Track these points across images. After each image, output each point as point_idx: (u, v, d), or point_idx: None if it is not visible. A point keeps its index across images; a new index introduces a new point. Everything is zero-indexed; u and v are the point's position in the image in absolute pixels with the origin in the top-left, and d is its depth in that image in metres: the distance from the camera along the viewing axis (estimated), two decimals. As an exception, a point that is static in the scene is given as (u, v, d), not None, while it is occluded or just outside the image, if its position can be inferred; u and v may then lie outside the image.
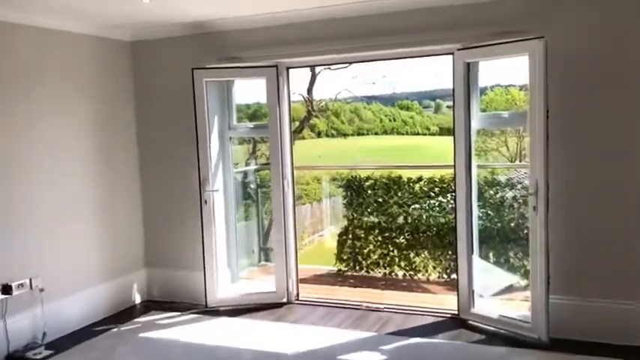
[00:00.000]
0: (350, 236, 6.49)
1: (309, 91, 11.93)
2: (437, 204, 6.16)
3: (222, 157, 5.74)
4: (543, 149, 4.24)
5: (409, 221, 6.27)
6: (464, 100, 4.76)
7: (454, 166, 4.91)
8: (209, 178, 5.40)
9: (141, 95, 5.82)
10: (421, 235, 6.23)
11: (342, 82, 12.39)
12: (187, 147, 5.50)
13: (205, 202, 5.40)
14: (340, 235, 6.54)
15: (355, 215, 6.45)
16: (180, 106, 5.56)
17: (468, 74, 4.76)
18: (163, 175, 5.81)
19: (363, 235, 6.42)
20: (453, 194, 5.02)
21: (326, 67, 12.21)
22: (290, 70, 5.47)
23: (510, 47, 4.39)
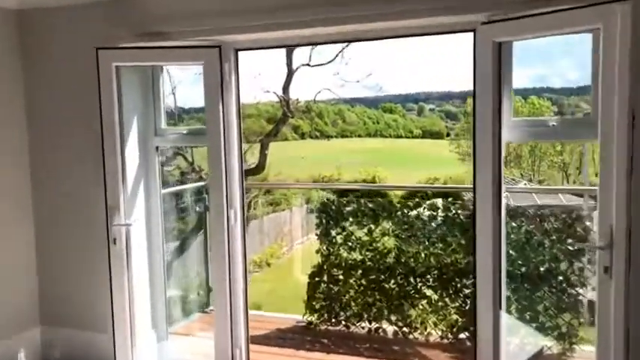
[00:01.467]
0: (324, 278, 4.77)
1: (285, 89, 10.20)
2: (440, 237, 4.46)
3: (146, 173, 4.00)
4: (625, 176, 2.58)
5: (402, 260, 4.57)
6: (492, 100, 3.08)
7: (474, 189, 3.23)
8: (120, 206, 3.65)
9: (32, 84, 4.05)
10: (419, 279, 4.53)
11: (322, 80, 10.65)
12: (94, 160, 3.75)
13: (114, 240, 3.65)
14: (312, 275, 4.81)
15: (332, 250, 4.73)
16: (85, 102, 3.82)
17: (498, 61, 3.07)
18: (64, 201, 4.05)
19: (341, 277, 4.72)
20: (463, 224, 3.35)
21: (304, 64, 10.52)
22: (240, 52, 3.74)
23: (571, 16, 2.72)
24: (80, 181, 3.94)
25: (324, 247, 4.75)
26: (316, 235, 4.78)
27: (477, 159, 3.22)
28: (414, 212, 4.51)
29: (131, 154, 3.84)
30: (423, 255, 4.52)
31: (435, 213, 4.45)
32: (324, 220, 4.75)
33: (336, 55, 10.41)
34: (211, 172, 3.65)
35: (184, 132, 4.00)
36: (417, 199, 4.95)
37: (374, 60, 10.92)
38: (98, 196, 3.69)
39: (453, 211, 4.41)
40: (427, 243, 4.50)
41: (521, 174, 30.62)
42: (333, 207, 4.72)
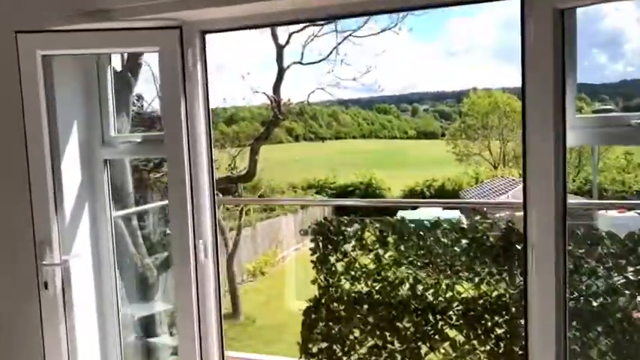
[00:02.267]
0: (323, 314, 3.84)
1: (276, 89, 9.27)
2: (465, 265, 3.55)
3: (91, 193, 3.08)
4: None
5: (419, 292, 3.65)
6: (553, 90, 2.17)
7: (524, 206, 2.31)
8: (53, 240, 2.73)
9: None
10: (439, 316, 3.61)
11: (315, 80, 9.72)
12: (16, 180, 2.82)
13: (45, 284, 2.73)
14: (308, 312, 3.89)
15: (331, 280, 3.82)
16: (3, 102, 2.90)
17: (562, 34, 2.17)
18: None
19: (343, 314, 3.79)
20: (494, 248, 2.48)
21: (296, 62, 9.60)
22: (208, 36, 2.83)
23: None
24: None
25: (322, 277, 3.82)
26: (312, 262, 3.85)
27: (529, 168, 2.31)
28: (430, 234, 3.58)
29: (70, 171, 2.92)
30: (444, 286, 3.60)
31: (458, 235, 3.53)
32: (320, 244, 3.82)
33: (330, 52, 9.50)
34: (171, 192, 2.73)
35: (138, 140, 3.06)
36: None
37: (371, 56, 9.94)
38: (24, 227, 2.76)
39: (481, 233, 3.50)
40: (449, 272, 3.58)
41: (520, 174, 29.77)
42: (332, 227, 3.80)
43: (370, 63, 9.75)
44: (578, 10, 2.22)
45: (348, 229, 3.78)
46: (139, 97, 16.52)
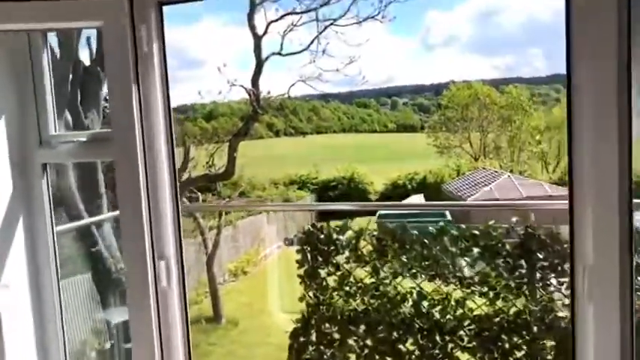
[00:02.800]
0: (313, 337, 3.29)
1: (255, 82, 8.66)
2: (478, 277, 3.02)
3: (26, 205, 2.47)
4: None
5: (424, 310, 3.11)
6: (617, 66, 1.63)
7: (570, 209, 1.78)
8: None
9: None
10: (448, 337, 3.07)
11: (296, 72, 9.13)
12: None
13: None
14: (295, 334, 3.32)
15: (322, 297, 3.26)
16: None
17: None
18: None
19: (336, 336, 3.24)
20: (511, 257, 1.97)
21: (275, 52, 9.00)
22: (165, 7, 2.24)
23: None
24: None
25: (311, 294, 3.26)
26: (299, 276, 3.29)
27: (577, 169, 1.78)
28: (438, 241, 3.05)
29: (-4, 179, 2.32)
30: (453, 302, 3.07)
31: (469, 243, 2.99)
32: (308, 255, 3.26)
33: (311, 42, 8.92)
34: (121, 202, 2.15)
35: (84, 139, 2.46)
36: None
37: (354, 47, 9.36)
38: None
39: (496, 240, 2.96)
40: (459, 285, 3.05)
41: (500, 165, 29.48)
42: (322, 236, 3.24)
43: (353, 53, 9.17)
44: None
45: (341, 237, 3.22)
46: None
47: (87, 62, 9.78)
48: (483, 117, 33.30)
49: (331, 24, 8.92)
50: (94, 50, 9.75)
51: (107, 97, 12.32)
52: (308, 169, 25.78)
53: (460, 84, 36.08)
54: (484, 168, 24.71)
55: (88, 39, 9.78)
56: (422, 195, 21.94)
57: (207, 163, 9.36)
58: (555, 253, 2.78)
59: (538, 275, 2.89)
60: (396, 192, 24.71)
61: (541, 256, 2.86)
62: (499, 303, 2.97)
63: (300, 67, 9.02)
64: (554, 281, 2.82)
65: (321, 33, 8.92)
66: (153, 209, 2.17)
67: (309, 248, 3.27)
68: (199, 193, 12.30)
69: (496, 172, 22.24)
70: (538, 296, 2.92)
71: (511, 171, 24.52)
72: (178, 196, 2.31)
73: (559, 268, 2.79)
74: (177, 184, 2.29)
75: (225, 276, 15.74)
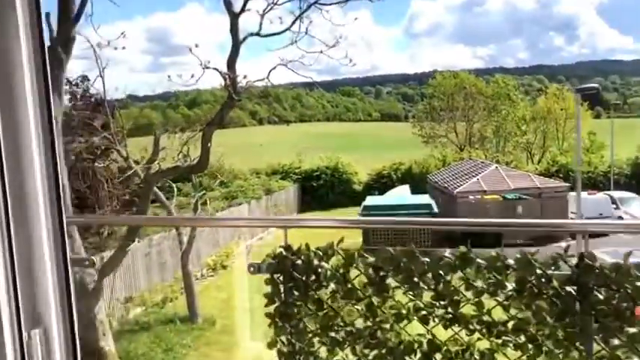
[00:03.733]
0: (286, 396, 2.42)
1: (231, 65, 7.73)
2: (512, 323, 2.17)
3: None
4: None
5: (436, 363, 2.26)
6: None
7: None
8: None
9: None
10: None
11: (277, 54, 8.19)
12: None
13: None
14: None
15: (299, 345, 2.40)
16: None
17: None
18: None
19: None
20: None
21: (253, 33, 8.06)
22: None
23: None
24: None
25: (284, 339, 2.41)
26: (267, 316, 2.42)
27: None
28: (458, 272, 2.20)
29: None
30: (477, 356, 2.23)
31: (499, 277, 2.15)
32: (281, 288, 2.40)
33: (294, 22, 7.99)
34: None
35: None
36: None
37: (340, 27, 8.43)
38: None
39: (536, 276, 2.12)
40: (486, 333, 2.20)
41: (485, 155, 28.79)
42: (299, 262, 2.37)
43: (337, 34, 8.25)
44: None
45: (325, 264, 2.36)
46: (84, 78, 14.14)
47: (46, 42, 8.76)
48: (469, 106, 32.52)
49: (315, 2, 8.00)
50: (55, 28, 8.73)
51: (77, 83, 11.05)
52: (291, 159, 24.82)
53: (446, 73, 35.29)
54: (470, 158, 23.97)
55: (47, 15, 8.75)
56: (407, 186, 21.14)
57: (178, 153, 8.42)
58: (622, 294, 1.94)
59: (597, 323, 2.06)
60: (380, 182, 23.84)
61: (601, 297, 2.03)
62: (541, 359, 2.13)
63: (281, 50, 8.11)
64: (618, 332, 2.00)
65: (304, 12, 8.01)
66: (18, 234, 1.28)
67: (281, 278, 2.40)
68: (174, 185, 11.38)
69: (483, 162, 21.51)
70: (595, 351, 2.10)
71: (497, 161, 23.83)
72: (62, 213, 1.42)
73: (627, 313, 1.96)
74: (63, 193, 1.41)
75: (204, 271, 14.84)
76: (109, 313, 10.47)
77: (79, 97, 13.98)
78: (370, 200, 17.32)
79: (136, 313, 11.18)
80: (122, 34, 7.80)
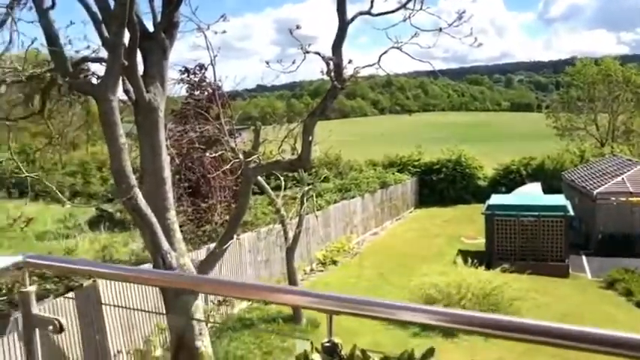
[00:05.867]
0: None
1: (336, 49, 6.75)
2: None
3: None
4: None
5: None
6: None
7: None
8: None
9: None
10: None
11: (390, 35, 7.05)
12: None
13: None
14: None
15: None
16: None
17: None
18: None
19: None
20: None
21: (363, 12, 7.03)
22: None
23: None
24: None
25: None
26: None
27: None
28: None
29: None
30: None
31: None
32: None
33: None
34: None
35: None
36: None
37: (464, 2, 7.07)
38: None
39: None
40: None
41: (631, 151, 25.26)
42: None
43: (461, 11, 6.91)
44: None
45: None
46: (201, 67, 13.79)
47: (150, 27, 8.35)
48: (614, 96, 28.73)
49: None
50: (159, 13, 8.28)
51: (187, 69, 10.56)
52: (410, 150, 23.35)
53: (586, 60, 31.65)
54: (614, 154, 21.01)
55: (151, 0, 8.32)
56: (539, 183, 18.92)
57: (279, 147, 7.64)
58: None
59: None
60: (508, 178, 21.59)
61: None
62: None
63: (396, 29, 6.99)
64: None
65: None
66: None
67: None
68: (282, 178, 10.73)
69: (629, 160, 18.67)
70: None
71: (646, 159, 20.67)
72: None
73: None
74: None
75: (313, 265, 14.10)
76: (211, 308, 10.14)
77: (195, 86, 13.91)
78: (496, 198, 15.58)
79: (241, 308, 10.72)
80: (222, 16, 7.11)
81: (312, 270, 14.15)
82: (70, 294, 7.54)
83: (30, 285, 1.66)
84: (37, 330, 1.59)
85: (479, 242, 15.41)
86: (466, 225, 17.98)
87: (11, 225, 9.54)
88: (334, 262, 14.67)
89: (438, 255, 14.62)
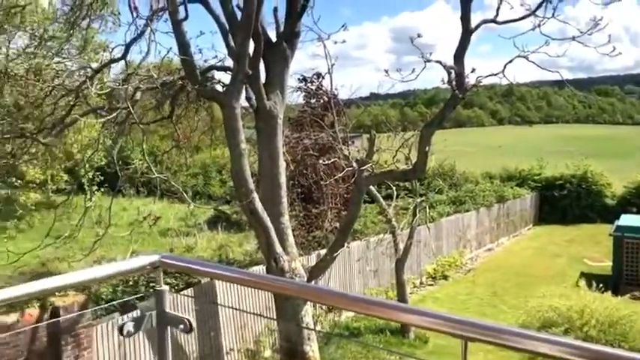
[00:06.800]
0: None
1: (458, 58, 6.57)
2: None
3: None
4: None
5: None
6: None
7: None
8: None
9: None
10: None
11: (516, 43, 6.71)
12: None
13: None
14: None
15: None
16: None
17: None
18: None
19: None
20: None
21: (488, 20, 6.76)
22: None
23: None
24: None
25: None
26: None
27: None
28: None
29: None
30: None
31: None
32: None
33: (539, 5, 6.45)
34: None
35: None
36: None
37: (600, 7, 6.55)
38: None
39: None
40: None
41: None
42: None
43: (594, 15, 6.41)
44: None
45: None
46: (318, 76, 14.14)
47: (273, 37, 8.60)
48: None
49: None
50: (282, 22, 8.50)
51: (305, 77, 10.81)
52: (530, 164, 22.11)
53: None
54: None
55: (275, 10, 8.57)
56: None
57: (394, 157, 7.55)
58: None
59: None
60: (640, 198, 19.75)
61: None
62: None
63: (522, 39, 6.63)
64: None
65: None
66: None
67: None
68: (393, 187, 10.60)
69: None
70: None
71: None
72: None
73: None
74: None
75: (423, 278, 13.75)
76: (319, 313, 10.22)
77: (312, 94, 14.18)
78: (626, 219, 14.30)
79: (348, 315, 10.71)
80: (343, 26, 7.19)
81: (421, 283, 13.82)
82: (189, 291, 7.94)
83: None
84: (168, 328, 1.65)
85: (605, 265, 14.25)
86: (590, 246, 16.71)
87: (141, 222, 10.30)
88: (445, 277, 14.23)
89: (558, 276, 13.67)
